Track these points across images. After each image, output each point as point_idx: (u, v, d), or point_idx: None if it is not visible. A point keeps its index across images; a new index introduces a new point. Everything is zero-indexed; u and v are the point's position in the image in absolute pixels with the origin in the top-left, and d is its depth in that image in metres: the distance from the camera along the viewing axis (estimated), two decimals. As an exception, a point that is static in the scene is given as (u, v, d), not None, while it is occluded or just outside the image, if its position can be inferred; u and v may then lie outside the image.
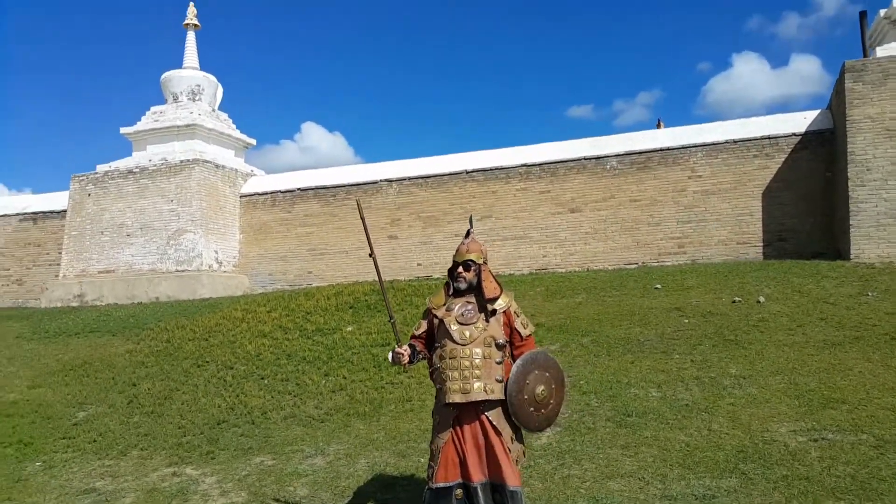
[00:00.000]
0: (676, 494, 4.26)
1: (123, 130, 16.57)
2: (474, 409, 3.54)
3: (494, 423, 3.53)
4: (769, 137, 12.30)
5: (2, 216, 17.36)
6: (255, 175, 16.69)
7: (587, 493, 4.42)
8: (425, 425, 5.49)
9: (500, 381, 3.53)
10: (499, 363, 3.55)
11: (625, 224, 12.92)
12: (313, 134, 61.28)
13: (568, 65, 59.86)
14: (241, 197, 16.01)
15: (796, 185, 12.03)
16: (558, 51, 59.39)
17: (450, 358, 3.55)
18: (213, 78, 17.11)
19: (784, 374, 6.10)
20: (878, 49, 11.21)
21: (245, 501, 4.97)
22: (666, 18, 55.28)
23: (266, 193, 15.83)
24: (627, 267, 12.44)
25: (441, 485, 3.52)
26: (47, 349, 10.72)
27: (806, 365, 6.27)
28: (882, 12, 11.91)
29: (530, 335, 3.70)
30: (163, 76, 16.85)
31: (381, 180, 14.85)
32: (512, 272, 13.11)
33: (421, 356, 3.78)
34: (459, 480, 3.53)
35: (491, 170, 13.99)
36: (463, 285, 3.68)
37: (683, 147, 12.81)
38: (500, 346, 3.57)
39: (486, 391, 3.50)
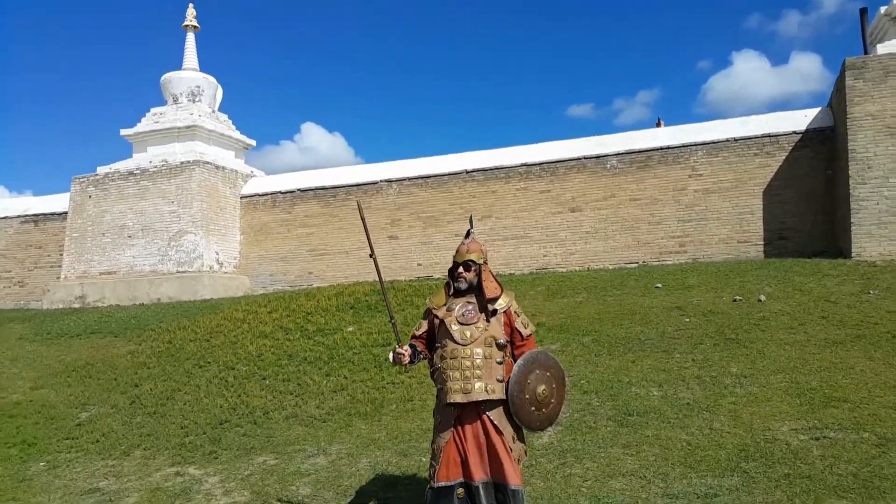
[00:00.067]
0: (678, 493, 4.27)
1: (124, 132, 16.59)
2: (475, 409, 3.55)
3: (496, 422, 3.54)
4: (770, 135, 12.29)
5: (3, 218, 17.39)
6: (255, 176, 16.71)
7: (589, 491, 4.42)
8: (427, 425, 5.50)
9: (501, 381, 3.54)
10: (500, 363, 3.56)
11: (625, 223, 12.92)
12: (313, 134, 61.33)
13: (567, 64, 59.90)
14: (241, 198, 16.02)
15: (797, 184, 12.02)
16: (558, 50, 59.41)
17: (451, 358, 3.56)
18: (212, 79, 17.13)
19: (785, 373, 6.10)
20: (878, 46, 11.20)
21: (248, 501, 4.98)
22: (665, 17, 55.30)
23: (266, 194, 15.85)
24: (628, 266, 12.44)
25: (443, 484, 3.53)
26: (49, 350, 10.75)
27: (807, 363, 6.27)
28: (882, 9, 11.89)
29: (531, 335, 3.71)
30: (162, 77, 16.86)
31: (381, 181, 14.85)
32: (512, 272, 13.11)
33: (422, 356, 3.79)
34: (461, 480, 3.54)
35: (491, 169, 14.00)
36: (463, 285, 3.69)
37: (684, 146, 12.81)
38: (500, 346, 3.58)
39: (487, 391, 3.50)
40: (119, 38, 58.02)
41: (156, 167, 15.46)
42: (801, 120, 12.31)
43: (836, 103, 11.66)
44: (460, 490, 3.53)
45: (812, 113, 12.34)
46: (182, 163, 15.21)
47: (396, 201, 14.61)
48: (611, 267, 12.52)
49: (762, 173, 12.25)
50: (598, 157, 13.31)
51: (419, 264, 14.14)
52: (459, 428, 3.57)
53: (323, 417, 6.72)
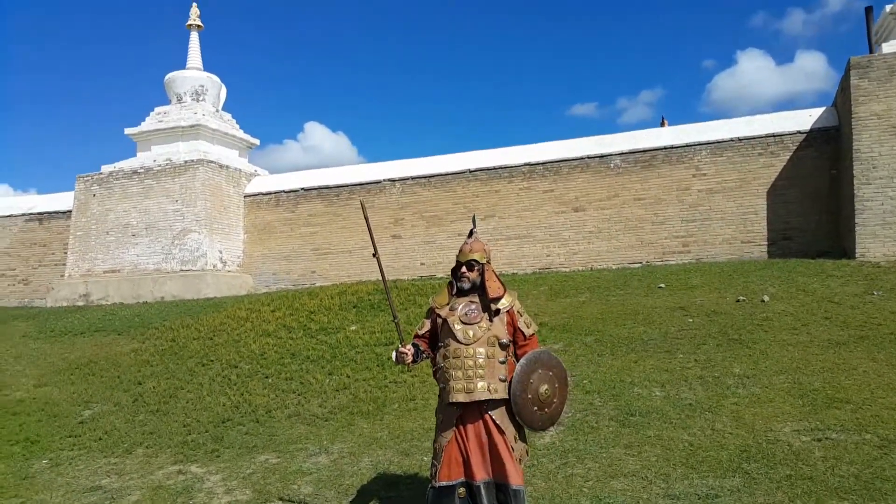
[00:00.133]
0: (679, 494, 4.26)
1: (128, 131, 16.63)
2: (478, 409, 3.55)
3: (498, 422, 3.54)
4: (774, 135, 12.26)
5: (8, 217, 17.45)
6: (258, 175, 16.74)
7: (590, 492, 4.42)
8: (429, 424, 5.50)
9: (504, 381, 3.54)
10: (502, 363, 3.56)
11: (629, 223, 12.90)
12: (316, 134, 61.41)
13: (570, 63, 59.83)
14: (245, 197, 16.05)
15: (801, 184, 11.99)
16: (559, 50, 59.37)
17: (453, 357, 3.56)
18: (216, 78, 17.16)
19: (788, 374, 6.08)
20: (883, 45, 11.15)
21: (250, 499, 4.99)
22: (669, 16, 55.19)
23: (270, 193, 15.87)
24: (631, 266, 12.42)
25: (444, 483, 3.53)
26: (53, 348, 10.78)
27: (810, 364, 6.26)
28: (888, 8, 11.84)
29: (534, 334, 3.71)
30: (167, 77, 16.90)
31: (384, 180, 14.86)
32: (515, 271, 13.11)
33: (424, 355, 3.79)
34: (462, 479, 3.54)
35: (494, 169, 13.99)
36: (466, 285, 3.68)
37: (688, 145, 12.78)
38: (503, 346, 3.58)
39: (489, 391, 3.50)
40: (121, 38, 58.23)
41: (160, 166, 15.50)
42: (805, 119, 12.27)
43: (841, 103, 11.62)
44: (462, 490, 3.53)
45: (816, 112, 12.31)
46: (186, 162, 15.24)
47: (400, 200, 14.61)
48: (614, 267, 12.50)
49: (766, 173, 12.21)
50: (601, 156, 13.30)
51: (422, 263, 14.15)
52: (461, 427, 3.57)
53: (325, 416, 6.73)
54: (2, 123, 58.24)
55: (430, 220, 14.32)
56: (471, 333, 3.56)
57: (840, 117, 11.76)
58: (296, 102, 63.63)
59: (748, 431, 5.04)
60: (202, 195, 14.99)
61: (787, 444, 4.78)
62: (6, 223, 17.38)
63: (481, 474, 3.52)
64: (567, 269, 12.82)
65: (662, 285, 9.81)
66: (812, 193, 11.92)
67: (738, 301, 8.51)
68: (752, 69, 54.44)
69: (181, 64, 17.14)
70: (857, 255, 10.21)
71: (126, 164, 16.11)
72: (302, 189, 15.55)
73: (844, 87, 11.23)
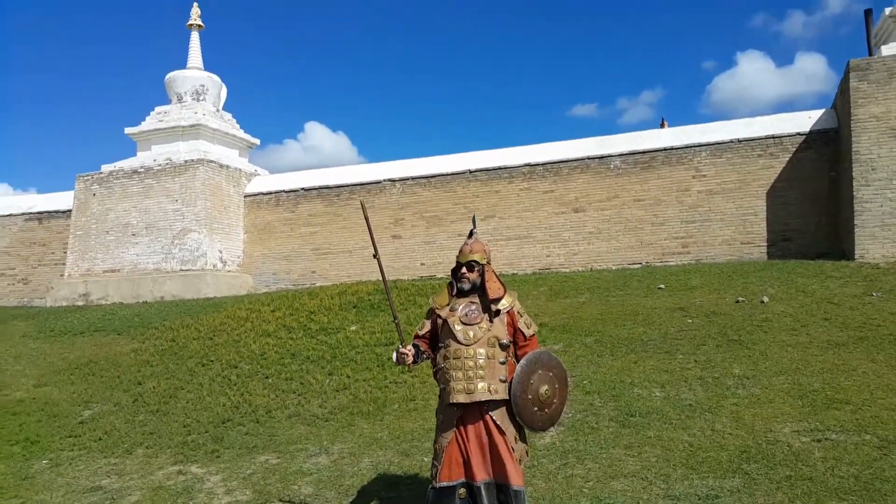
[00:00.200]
0: (679, 494, 4.27)
1: (128, 130, 16.63)
2: (478, 409, 3.56)
3: (498, 422, 3.55)
4: (774, 137, 12.27)
5: (7, 216, 17.45)
6: (258, 175, 16.74)
7: (590, 492, 4.43)
8: (429, 424, 5.51)
9: (504, 381, 3.55)
10: (502, 363, 3.56)
11: (628, 224, 12.92)
12: (317, 133, 61.40)
13: (570, 64, 59.86)
14: (245, 196, 16.05)
15: (801, 185, 12.01)
16: (560, 50, 59.38)
17: (454, 358, 3.56)
18: (216, 78, 17.16)
19: (788, 375, 6.09)
20: (883, 48, 11.17)
21: (250, 500, 4.99)
22: (670, 17, 55.22)
23: (270, 193, 15.87)
24: (631, 267, 12.43)
25: (444, 484, 3.54)
26: (53, 348, 10.78)
27: (810, 365, 6.27)
28: (888, 10, 11.85)
29: (534, 335, 3.71)
30: (167, 76, 16.90)
31: (384, 180, 14.87)
32: (515, 272, 13.11)
33: (425, 356, 3.80)
34: (463, 480, 3.54)
35: (494, 169, 14.00)
36: (466, 286, 3.69)
37: (687, 146, 12.79)
38: (503, 347, 3.58)
39: (489, 391, 3.51)
40: (121, 38, 58.20)
41: (160, 165, 15.50)
42: (805, 121, 12.29)
43: (841, 105, 11.63)
44: (462, 490, 3.53)
45: (816, 114, 12.32)
46: (186, 161, 15.24)
47: (400, 201, 14.62)
48: (614, 267, 12.51)
49: (766, 175, 12.23)
50: (601, 157, 13.31)
51: (422, 264, 14.15)
52: (462, 428, 3.58)
53: (325, 416, 6.73)
54: (2, 123, 58.25)
55: (431, 220, 14.33)
56: (471, 334, 3.56)
57: (839, 119, 11.77)
58: (296, 102, 63.68)
59: (748, 432, 5.05)
60: (202, 195, 14.99)
61: (786, 445, 4.79)
62: (6, 222, 17.38)
63: (482, 475, 3.52)
64: (567, 270, 12.83)
65: (662, 286, 9.82)
66: (811, 195, 11.93)
67: (737, 302, 8.52)
68: (752, 71, 54.53)
69: (181, 64, 17.16)
70: (856, 257, 10.23)
71: (126, 164, 16.11)
72: (302, 189, 15.55)
73: (844, 90, 11.25)
